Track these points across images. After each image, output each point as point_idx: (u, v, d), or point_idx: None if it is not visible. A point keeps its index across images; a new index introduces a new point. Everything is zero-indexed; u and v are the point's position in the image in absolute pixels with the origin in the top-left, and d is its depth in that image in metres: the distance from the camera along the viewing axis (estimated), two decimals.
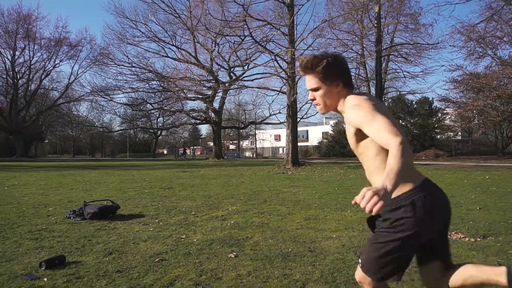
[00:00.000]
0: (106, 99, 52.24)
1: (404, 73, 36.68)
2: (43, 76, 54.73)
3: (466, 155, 50.70)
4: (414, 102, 52.45)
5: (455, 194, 10.56)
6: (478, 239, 5.59)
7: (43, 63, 53.90)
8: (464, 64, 50.77)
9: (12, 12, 50.66)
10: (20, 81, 53.81)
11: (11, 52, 51.18)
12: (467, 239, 5.58)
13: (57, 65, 57.60)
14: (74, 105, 68.57)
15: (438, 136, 51.77)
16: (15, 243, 5.36)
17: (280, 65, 25.76)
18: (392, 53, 34.31)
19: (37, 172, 21.19)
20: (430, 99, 50.85)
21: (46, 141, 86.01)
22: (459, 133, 53.20)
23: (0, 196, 10.56)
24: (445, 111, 49.93)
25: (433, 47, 31.89)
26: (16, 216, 7.39)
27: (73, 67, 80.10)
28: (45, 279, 3.93)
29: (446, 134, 52.18)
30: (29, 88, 55.58)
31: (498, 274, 2.12)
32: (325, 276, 4.02)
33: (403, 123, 52.46)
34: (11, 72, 52.00)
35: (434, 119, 50.62)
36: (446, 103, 43.67)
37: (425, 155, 46.06)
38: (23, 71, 53.71)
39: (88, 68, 54.51)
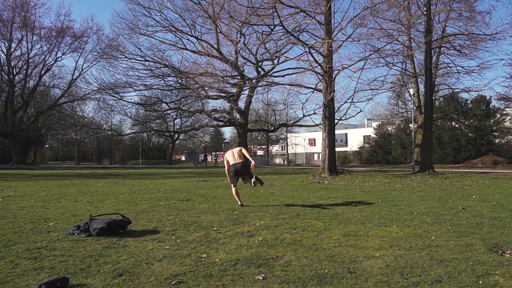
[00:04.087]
0: (115, 98, 52.49)
1: (458, 67, 36.10)
2: (43, 72, 55.57)
3: None
4: (469, 101, 51.86)
5: None
6: None
7: (43, 56, 54.70)
8: None
9: None
10: (16, 77, 54.59)
11: (7, 44, 51.81)
12: None
13: (59, 59, 58.86)
14: (78, 105, 69.76)
15: (497, 140, 50.98)
16: (11, 263, 5.38)
17: (315, 59, 25.64)
18: (443, 45, 33.85)
19: (36, 182, 21.54)
20: (488, 97, 50.21)
21: (47, 145, 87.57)
22: None
23: None
24: (504, 112, 49.19)
25: (491, 38, 31.35)
26: (12, 232, 7.46)
27: (77, 61, 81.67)
28: None
29: (506, 137, 51.23)
30: (27, 85, 56.48)
31: None
32: None
33: (456, 125, 51.82)
34: (6, 67, 52.69)
35: (492, 120, 49.92)
36: (506, 102, 43.01)
37: (481, 161, 45.44)
38: (20, 66, 54.58)
39: (94, 62, 55.15)
